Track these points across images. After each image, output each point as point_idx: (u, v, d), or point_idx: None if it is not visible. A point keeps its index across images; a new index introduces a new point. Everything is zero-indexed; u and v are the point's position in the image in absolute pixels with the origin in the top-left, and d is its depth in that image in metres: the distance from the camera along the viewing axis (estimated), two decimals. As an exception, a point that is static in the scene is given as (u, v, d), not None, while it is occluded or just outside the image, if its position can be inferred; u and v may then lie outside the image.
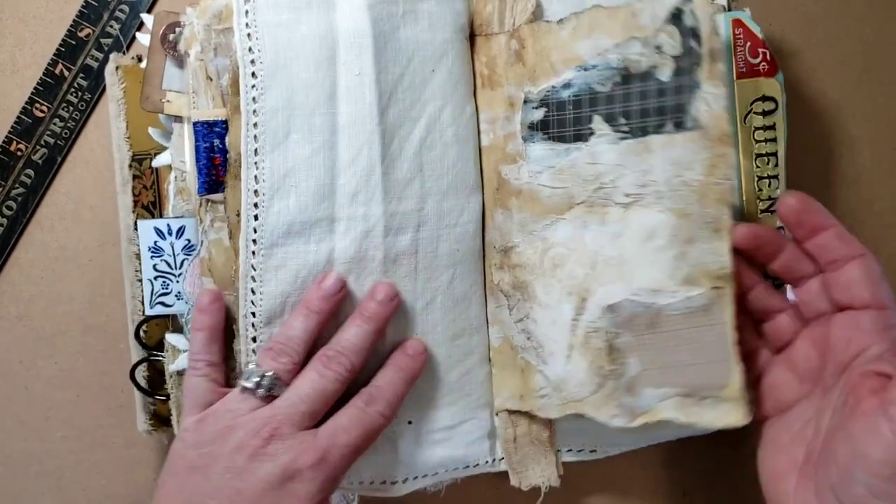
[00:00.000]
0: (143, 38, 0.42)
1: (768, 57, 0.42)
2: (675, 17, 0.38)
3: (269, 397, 0.36)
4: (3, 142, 0.46)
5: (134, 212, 0.43)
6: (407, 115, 0.40)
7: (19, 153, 0.46)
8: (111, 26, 0.46)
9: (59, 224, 0.46)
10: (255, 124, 0.38)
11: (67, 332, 0.46)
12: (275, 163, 0.38)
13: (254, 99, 0.38)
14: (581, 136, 0.40)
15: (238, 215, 0.38)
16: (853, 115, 0.49)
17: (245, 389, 0.36)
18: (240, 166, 0.38)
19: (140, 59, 0.43)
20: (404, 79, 0.40)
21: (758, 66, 0.42)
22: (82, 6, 0.46)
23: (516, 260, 0.41)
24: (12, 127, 0.46)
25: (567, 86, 0.40)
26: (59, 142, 0.46)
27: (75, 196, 0.46)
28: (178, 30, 0.40)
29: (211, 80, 0.39)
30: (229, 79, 0.39)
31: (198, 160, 0.39)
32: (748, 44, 0.42)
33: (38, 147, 0.46)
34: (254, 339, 0.39)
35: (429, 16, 0.40)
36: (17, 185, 0.46)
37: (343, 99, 0.39)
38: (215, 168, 0.39)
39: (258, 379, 0.36)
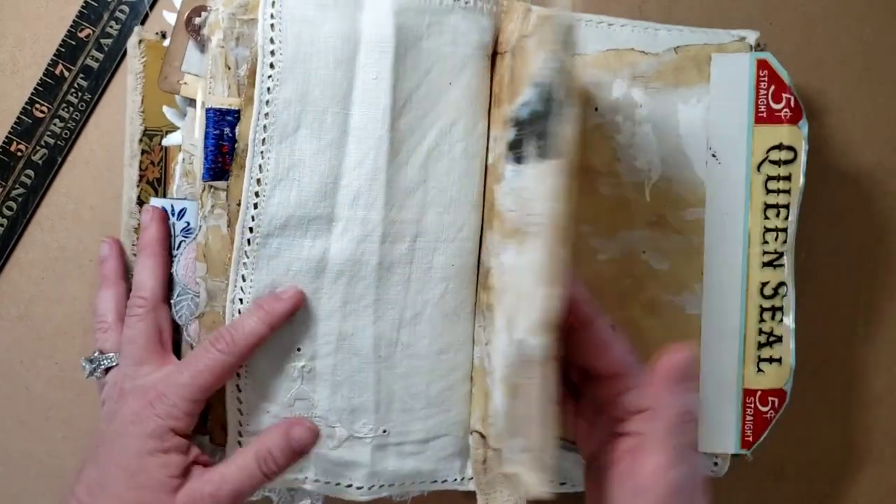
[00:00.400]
0: (169, 17, 0.42)
1: (792, 103, 0.40)
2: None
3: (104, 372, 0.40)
4: (3, 142, 0.46)
5: (138, 186, 0.44)
6: (419, 124, 0.40)
7: (19, 154, 0.46)
8: (111, 27, 0.46)
9: (59, 224, 0.46)
10: (266, 114, 0.38)
11: (68, 333, 0.46)
12: (281, 155, 0.38)
13: (268, 90, 0.38)
14: (520, 158, 0.37)
15: (238, 205, 0.39)
16: (853, 114, 0.49)
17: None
18: (246, 156, 0.38)
19: (163, 36, 0.43)
20: (420, 89, 0.40)
21: (779, 113, 0.41)
22: (82, 6, 0.46)
23: (491, 282, 0.40)
24: (12, 127, 0.46)
25: (525, 104, 0.36)
26: (59, 142, 0.46)
27: (75, 196, 0.46)
28: (203, 14, 0.40)
29: (229, 68, 0.39)
30: (247, 69, 0.39)
31: (205, 146, 0.39)
32: (772, 87, 0.41)
33: (38, 147, 0.46)
34: None
35: (453, 30, 0.40)
36: (17, 186, 0.46)
37: (358, 101, 0.39)
38: (222, 156, 0.39)
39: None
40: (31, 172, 0.46)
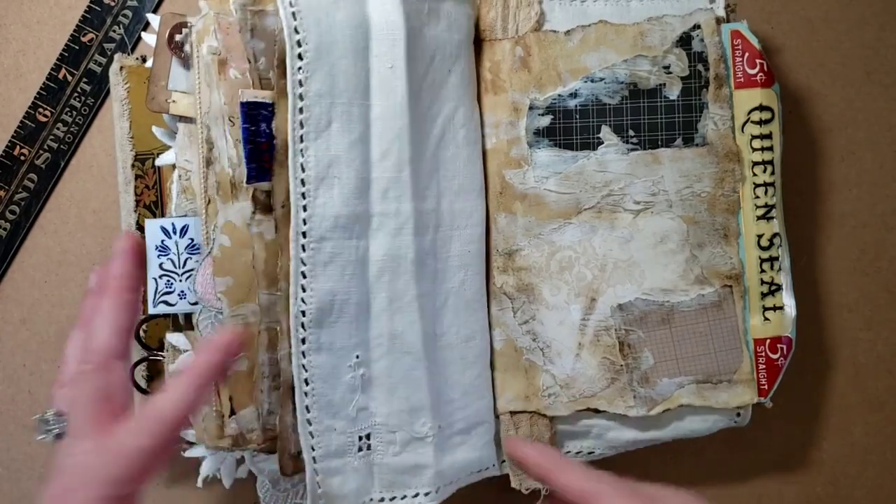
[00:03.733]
0: (148, 39, 0.42)
1: (766, 68, 0.42)
2: (684, 41, 0.42)
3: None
4: (7, 146, 0.46)
5: (136, 211, 0.43)
6: (427, 113, 0.39)
7: (23, 158, 0.46)
8: (114, 31, 0.46)
9: (62, 228, 0.46)
10: (301, 109, 0.36)
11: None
12: (319, 151, 0.37)
13: (300, 82, 0.36)
14: (589, 145, 0.42)
15: (283, 206, 0.37)
16: (854, 118, 0.49)
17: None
18: (286, 153, 0.37)
19: (144, 60, 0.44)
20: (427, 77, 0.39)
21: (755, 77, 0.42)
22: (85, 11, 0.46)
23: (521, 263, 0.42)
24: (16, 131, 0.46)
25: (574, 95, 0.42)
26: (62, 146, 0.46)
27: (78, 200, 0.46)
28: (184, 31, 0.40)
29: (250, 62, 0.38)
30: (268, 61, 0.37)
31: (244, 146, 0.37)
32: (746, 55, 0.43)
33: (41, 151, 0.46)
34: (303, 341, 0.37)
35: (448, 16, 0.40)
36: (20, 190, 0.46)
37: (376, 91, 0.38)
38: (260, 153, 0.37)
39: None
40: (34, 176, 0.46)
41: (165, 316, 0.42)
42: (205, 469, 0.42)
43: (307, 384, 0.37)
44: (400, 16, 0.38)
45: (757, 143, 0.42)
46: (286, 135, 0.37)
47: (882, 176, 0.49)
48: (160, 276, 0.41)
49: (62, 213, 0.46)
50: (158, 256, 0.41)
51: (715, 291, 0.42)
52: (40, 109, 0.46)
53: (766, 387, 0.42)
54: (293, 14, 0.36)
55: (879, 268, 0.49)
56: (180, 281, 0.41)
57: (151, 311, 0.41)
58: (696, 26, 0.42)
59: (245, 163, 0.37)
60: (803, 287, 0.45)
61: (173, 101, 0.41)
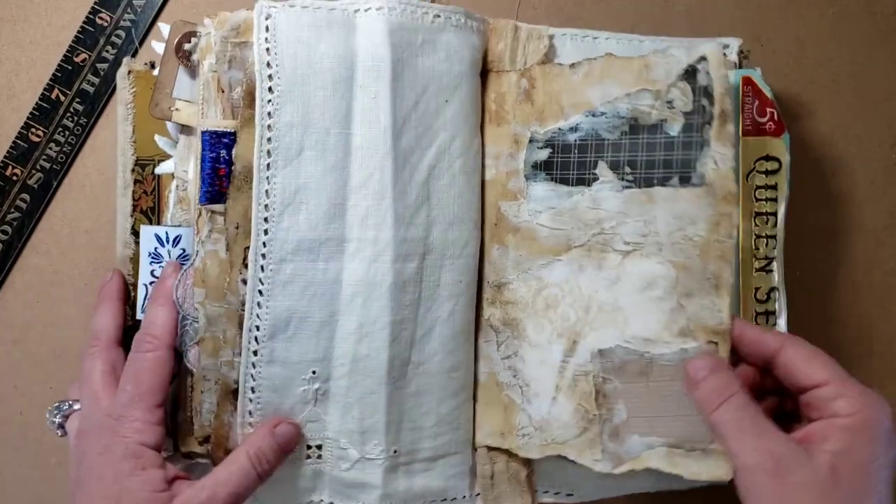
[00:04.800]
0: (157, 46, 0.43)
1: (776, 117, 0.42)
2: (689, 74, 0.39)
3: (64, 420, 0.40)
4: (-1, 166, 0.46)
5: (132, 216, 0.44)
6: (418, 142, 0.40)
7: (15, 178, 0.46)
8: (107, 51, 0.46)
9: (54, 248, 0.46)
10: (269, 139, 0.38)
11: (63, 357, 0.46)
12: (286, 179, 0.38)
13: (269, 114, 0.38)
14: (584, 181, 0.41)
15: (237, 227, 0.39)
16: (845, 134, 0.49)
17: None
18: (244, 179, 0.38)
19: (152, 66, 0.44)
20: (419, 106, 0.40)
21: (764, 126, 0.42)
22: (78, 32, 0.46)
23: (509, 297, 0.42)
24: (8, 152, 0.46)
25: (574, 129, 0.41)
26: (54, 166, 0.46)
27: (71, 220, 0.46)
28: (193, 40, 0.41)
29: (223, 91, 0.39)
30: (241, 91, 0.39)
31: (202, 169, 0.39)
32: (756, 102, 0.42)
33: (33, 171, 0.46)
34: (255, 353, 0.39)
35: (447, 47, 0.40)
36: (12, 210, 0.46)
37: (358, 121, 0.39)
38: (219, 179, 0.39)
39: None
40: (26, 196, 0.46)
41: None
42: None
43: (253, 392, 0.39)
44: (386, 48, 0.39)
45: (761, 194, 0.42)
46: (248, 162, 0.38)
47: (873, 191, 0.49)
48: (150, 283, 0.42)
49: (54, 234, 0.46)
50: (150, 263, 0.42)
51: (698, 347, 0.38)
52: (33, 129, 0.46)
53: None
54: (267, 49, 0.38)
55: (871, 282, 0.49)
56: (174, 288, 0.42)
57: (140, 316, 0.42)
58: (703, 58, 0.39)
59: (202, 185, 0.39)
60: (795, 300, 0.45)
61: (177, 110, 0.41)
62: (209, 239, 0.40)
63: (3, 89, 0.46)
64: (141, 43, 0.46)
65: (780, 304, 0.42)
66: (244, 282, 0.39)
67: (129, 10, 0.46)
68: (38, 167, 0.46)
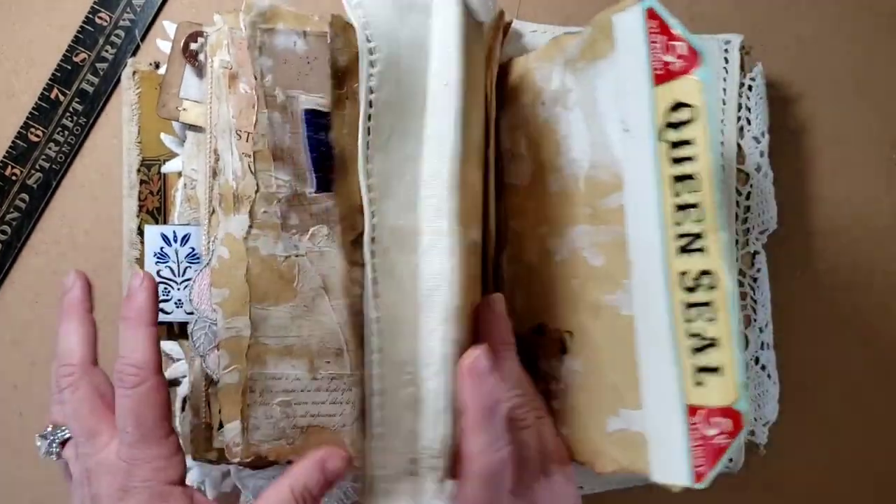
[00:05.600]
0: (163, 46, 0.42)
1: (685, 51, 0.32)
2: None
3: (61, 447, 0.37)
4: (-1, 166, 0.46)
5: (138, 216, 0.44)
6: (471, 132, 0.38)
7: (14, 178, 0.46)
8: (106, 51, 0.46)
9: (53, 248, 0.46)
10: (370, 117, 0.36)
11: (62, 357, 0.46)
12: (381, 163, 0.36)
13: (370, 89, 0.36)
14: None
15: (344, 220, 0.36)
16: (846, 134, 0.49)
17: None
18: (349, 162, 0.36)
19: (157, 66, 0.44)
20: (476, 95, 0.39)
21: (672, 66, 0.32)
22: (78, 31, 0.46)
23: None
24: (7, 151, 0.46)
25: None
26: (54, 166, 0.46)
27: (70, 220, 0.46)
28: (200, 40, 0.40)
29: (257, 78, 0.36)
30: (274, 79, 0.36)
31: (311, 152, 0.36)
32: (664, 39, 0.33)
33: (32, 171, 0.46)
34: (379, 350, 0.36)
35: (482, 35, 0.40)
36: (11, 210, 0.46)
37: (430, 109, 0.37)
38: (326, 162, 0.36)
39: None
40: (25, 196, 0.46)
41: (160, 324, 0.42)
42: (189, 480, 0.42)
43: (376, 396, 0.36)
44: (457, 34, 0.37)
45: (678, 153, 0.32)
46: (343, 147, 0.36)
47: (874, 191, 0.49)
48: (157, 284, 0.41)
49: (54, 234, 0.46)
50: (157, 263, 0.41)
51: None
52: (32, 129, 0.46)
53: (702, 469, 0.32)
54: (366, 23, 0.36)
55: (872, 283, 0.49)
56: (178, 289, 0.41)
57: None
58: None
59: (312, 172, 0.36)
60: (796, 301, 0.45)
61: (184, 110, 0.41)
62: (250, 235, 0.36)
63: (2, 89, 0.46)
64: (141, 42, 0.46)
65: (720, 293, 0.31)
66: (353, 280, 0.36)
67: (128, 9, 0.46)
68: (37, 167, 0.46)
